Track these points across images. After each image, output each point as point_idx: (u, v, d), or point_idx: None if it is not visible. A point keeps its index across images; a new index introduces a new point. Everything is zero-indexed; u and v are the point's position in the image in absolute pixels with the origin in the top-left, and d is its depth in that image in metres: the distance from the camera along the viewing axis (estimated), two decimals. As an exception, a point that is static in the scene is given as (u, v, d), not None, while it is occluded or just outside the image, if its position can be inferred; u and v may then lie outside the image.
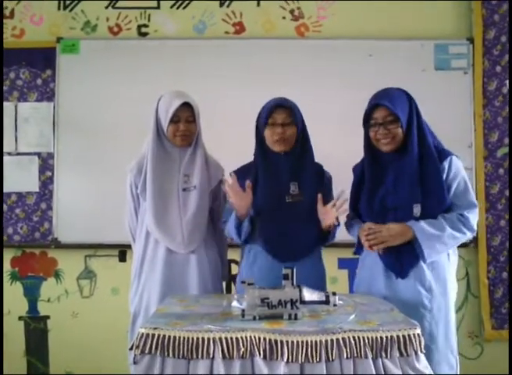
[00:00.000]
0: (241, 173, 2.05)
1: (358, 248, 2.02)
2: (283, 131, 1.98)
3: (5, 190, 3.02)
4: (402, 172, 1.90)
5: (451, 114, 2.95)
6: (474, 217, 1.90)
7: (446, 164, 1.89)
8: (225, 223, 2.09)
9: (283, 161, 2.03)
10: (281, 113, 1.99)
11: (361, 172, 2.02)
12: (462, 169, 1.93)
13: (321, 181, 2.08)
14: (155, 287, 2.11)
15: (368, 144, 1.97)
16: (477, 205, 1.93)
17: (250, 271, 2.02)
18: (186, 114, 2.10)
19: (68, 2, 3.08)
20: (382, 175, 1.94)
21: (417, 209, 1.87)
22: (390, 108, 1.86)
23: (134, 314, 2.17)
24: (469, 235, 1.90)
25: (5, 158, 3.02)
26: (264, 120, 2.00)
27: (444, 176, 1.88)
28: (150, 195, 2.11)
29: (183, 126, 2.09)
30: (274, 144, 2.01)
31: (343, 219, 2.07)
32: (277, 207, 2.00)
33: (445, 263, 1.90)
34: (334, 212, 1.94)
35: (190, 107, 2.10)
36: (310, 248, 2.03)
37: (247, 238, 2.01)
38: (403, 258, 1.87)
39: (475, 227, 1.90)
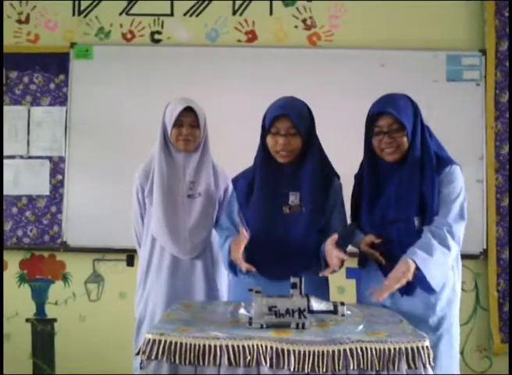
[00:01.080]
0: (241, 181, 1.99)
1: (362, 260, 1.96)
2: (286, 142, 1.84)
3: (16, 192, 3.05)
4: (404, 183, 1.81)
5: (462, 125, 2.94)
6: (460, 228, 1.77)
7: (444, 172, 1.80)
8: (221, 227, 2.01)
9: (285, 169, 1.90)
10: (285, 123, 1.83)
11: (360, 180, 1.93)
12: (460, 180, 1.82)
13: (326, 192, 1.91)
14: (161, 294, 2.12)
15: (370, 153, 1.87)
16: (465, 219, 1.80)
17: (240, 287, 1.90)
18: (190, 119, 2.12)
19: (82, 8, 3.11)
20: (383, 185, 1.85)
21: (417, 222, 1.78)
22: (396, 116, 1.76)
23: (139, 320, 2.18)
24: (457, 247, 1.77)
25: (17, 162, 3.06)
26: (266, 127, 1.87)
27: (438, 184, 1.79)
28: (156, 201, 2.12)
29: (186, 131, 2.11)
30: (276, 154, 1.88)
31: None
32: (272, 219, 1.87)
33: (449, 276, 1.82)
34: (339, 258, 1.72)
35: (194, 113, 2.12)
36: (306, 265, 1.82)
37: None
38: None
39: (460, 239, 1.78)
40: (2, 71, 3.04)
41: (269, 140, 1.87)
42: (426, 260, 1.67)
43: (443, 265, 1.73)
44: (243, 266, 1.80)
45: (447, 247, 1.72)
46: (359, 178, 1.95)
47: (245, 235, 1.80)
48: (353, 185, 1.98)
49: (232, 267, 1.90)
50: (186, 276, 2.13)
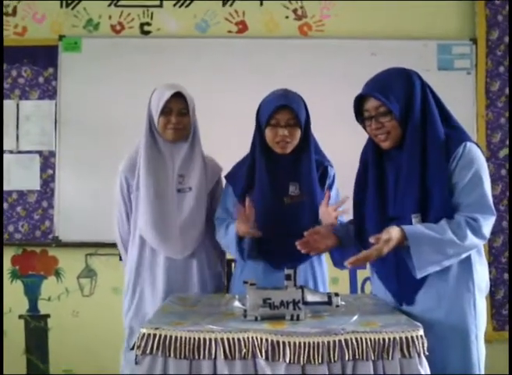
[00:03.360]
0: (236, 176, 1.98)
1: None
2: (287, 133, 1.84)
3: (7, 188, 3.02)
4: (401, 174, 1.59)
5: (453, 114, 2.93)
6: (488, 224, 1.51)
7: (457, 152, 1.53)
8: (218, 220, 2.00)
9: (283, 160, 1.90)
10: (285, 114, 1.83)
11: (363, 169, 1.74)
12: (479, 159, 1.55)
13: (324, 181, 1.96)
14: (157, 298, 1.98)
15: (372, 141, 1.68)
16: (493, 211, 1.53)
17: (242, 277, 1.90)
18: (179, 106, 1.96)
19: (70, 0, 3.07)
20: (385, 177, 1.66)
21: (416, 220, 1.53)
22: (379, 98, 1.56)
23: (130, 329, 2.01)
24: (478, 243, 1.52)
25: (7, 156, 3.02)
26: (265, 120, 1.86)
27: (452, 167, 1.53)
28: (143, 197, 1.97)
29: (175, 119, 1.96)
30: (275, 145, 1.88)
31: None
32: (275, 210, 1.88)
33: (467, 279, 1.56)
34: (334, 213, 1.80)
35: (184, 99, 1.97)
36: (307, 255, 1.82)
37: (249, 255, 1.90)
38: (406, 285, 1.59)
39: (488, 235, 1.52)
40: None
41: (268, 132, 1.87)
42: (418, 234, 1.47)
43: (443, 249, 1.48)
44: (255, 233, 1.80)
45: (458, 235, 1.47)
46: (361, 167, 1.76)
47: (250, 207, 1.80)
48: (355, 177, 1.79)
49: (241, 251, 1.89)
50: (182, 276, 2.01)
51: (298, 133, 1.88)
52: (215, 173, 2.12)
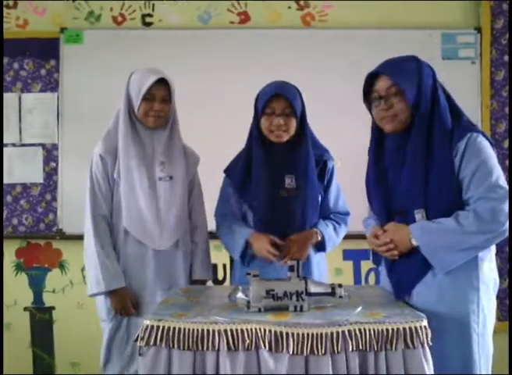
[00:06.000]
0: (235, 168, 1.98)
1: (374, 257, 1.74)
2: (282, 122, 1.83)
3: (10, 181, 3.02)
4: (404, 165, 1.55)
5: (458, 103, 2.92)
6: (500, 208, 1.44)
7: (461, 145, 1.49)
8: (219, 215, 1.99)
9: (279, 151, 1.89)
10: (280, 102, 1.83)
11: (371, 159, 1.69)
12: (486, 150, 1.50)
13: (321, 173, 1.95)
14: (146, 289, 1.95)
15: (375, 126, 1.64)
16: (505, 197, 1.46)
17: (243, 268, 1.92)
18: (162, 92, 1.90)
19: (71, -8, 3.06)
20: (388, 167, 1.62)
21: (419, 216, 1.51)
22: (392, 78, 1.53)
23: (114, 327, 1.95)
24: (495, 228, 1.46)
25: (10, 150, 3.02)
26: (260, 108, 1.85)
27: (457, 161, 1.49)
28: (124, 187, 1.91)
29: (158, 106, 1.89)
30: (270, 134, 1.87)
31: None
32: (272, 203, 1.87)
33: (471, 275, 1.52)
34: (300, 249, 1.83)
35: (166, 85, 1.90)
36: None
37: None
38: (403, 278, 1.59)
39: (505, 221, 1.45)
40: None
41: (264, 121, 1.87)
42: (423, 225, 1.50)
43: (456, 246, 1.47)
44: (274, 257, 1.82)
45: (459, 223, 1.46)
46: (370, 158, 1.71)
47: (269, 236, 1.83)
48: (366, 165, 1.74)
49: (243, 257, 1.90)
50: (169, 267, 1.97)
51: (293, 123, 1.87)
52: (194, 162, 2.09)
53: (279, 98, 1.83)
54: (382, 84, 1.56)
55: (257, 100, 1.91)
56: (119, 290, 1.92)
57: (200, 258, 2.06)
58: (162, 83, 1.90)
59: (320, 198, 1.95)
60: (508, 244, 2.94)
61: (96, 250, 1.93)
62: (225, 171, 2.04)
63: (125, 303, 1.92)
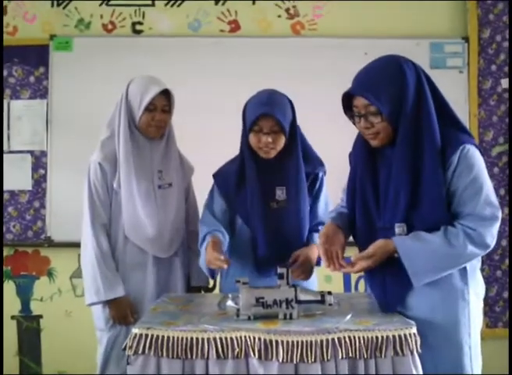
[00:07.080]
0: (225, 176, 1.95)
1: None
2: (270, 140, 1.79)
3: (-2, 188, 3.00)
4: (389, 178, 1.49)
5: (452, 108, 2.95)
6: (491, 232, 1.43)
7: (454, 159, 1.43)
8: (202, 223, 1.93)
9: (269, 165, 1.87)
10: (268, 121, 1.78)
11: (354, 172, 1.64)
12: (477, 163, 1.45)
13: (312, 185, 1.93)
14: (146, 297, 1.95)
15: (361, 138, 1.57)
16: (496, 216, 1.44)
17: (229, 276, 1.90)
18: (163, 103, 1.92)
19: (61, 0, 3.05)
20: (376, 179, 1.56)
21: (399, 230, 1.47)
22: (368, 99, 1.44)
23: (113, 336, 1.93)
24: (479, 253, 1.45)
25: (-2, 156, 3.00)
26: (248, 126, 1.81)
27: (449, 174, 1.44)
28: (126, 195, 1.92)
29: (159, 116, 1.92)
30: (259, 150, 1.84)
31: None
32: (263, 215, 1.84)
33: (456, 286, 1.49)
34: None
35: (167, 95, 1.93)
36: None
37: None
38: (388, 291, 1.53)
39: (491, 244, 1.44)
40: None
41: (252, 138, 1.83)
42: (409, 247, 1.44)
43: (437, 261, 1.44)
44: (222, 264, 1.66)
45: (455, 246, 1.41)
46: (352, 170, 1.66)
47: (221, 240, 1.77)
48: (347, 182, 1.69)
49: (211, 272, 1.83)
50: (167, 275, 1.99)
51: (282, 140, 1.84)
52: (189, 170, 2.12)
53: (267, 117, 1.78)
54: (360, 102, 1.48)
55: (244, 112, 1.88)
56: (119, 299, 1.91)
57: (197, 264, 2.03)
58: (163, 93, 1.92)
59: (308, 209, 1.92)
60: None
61: (95, 259, 1.91)
62: (214, 176, 2.00)
63: (124, 312, 1.91)
